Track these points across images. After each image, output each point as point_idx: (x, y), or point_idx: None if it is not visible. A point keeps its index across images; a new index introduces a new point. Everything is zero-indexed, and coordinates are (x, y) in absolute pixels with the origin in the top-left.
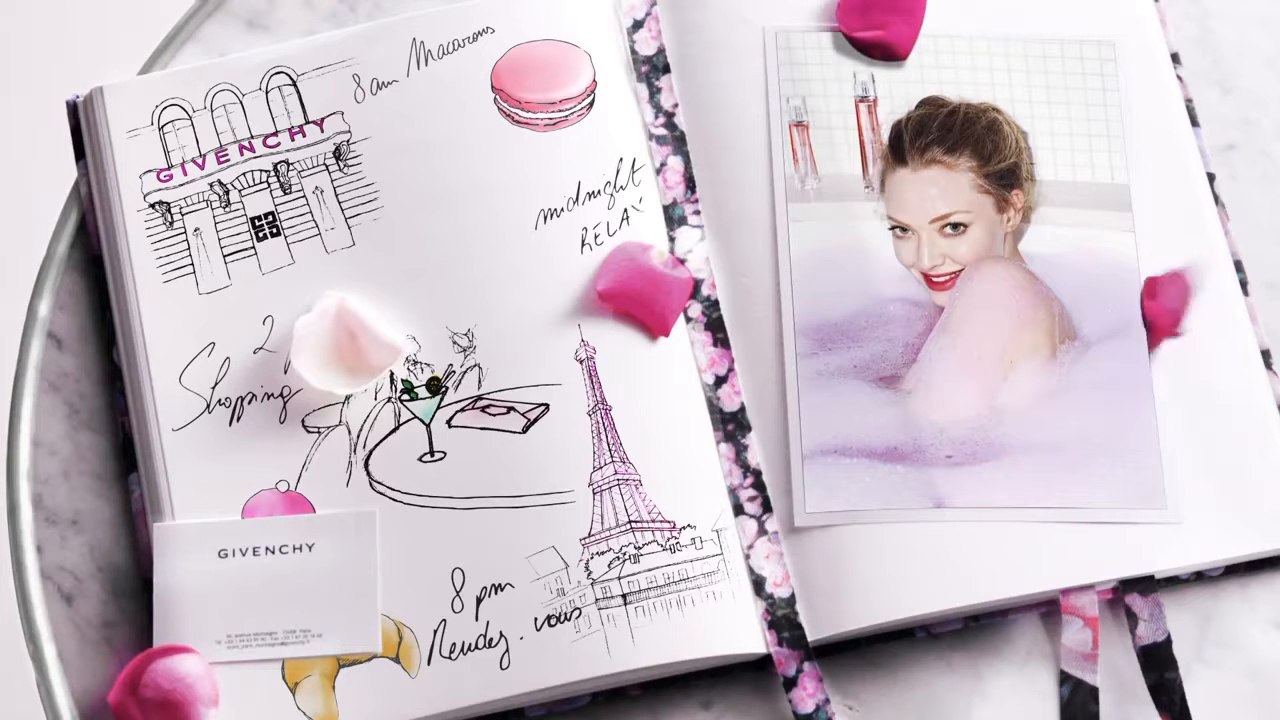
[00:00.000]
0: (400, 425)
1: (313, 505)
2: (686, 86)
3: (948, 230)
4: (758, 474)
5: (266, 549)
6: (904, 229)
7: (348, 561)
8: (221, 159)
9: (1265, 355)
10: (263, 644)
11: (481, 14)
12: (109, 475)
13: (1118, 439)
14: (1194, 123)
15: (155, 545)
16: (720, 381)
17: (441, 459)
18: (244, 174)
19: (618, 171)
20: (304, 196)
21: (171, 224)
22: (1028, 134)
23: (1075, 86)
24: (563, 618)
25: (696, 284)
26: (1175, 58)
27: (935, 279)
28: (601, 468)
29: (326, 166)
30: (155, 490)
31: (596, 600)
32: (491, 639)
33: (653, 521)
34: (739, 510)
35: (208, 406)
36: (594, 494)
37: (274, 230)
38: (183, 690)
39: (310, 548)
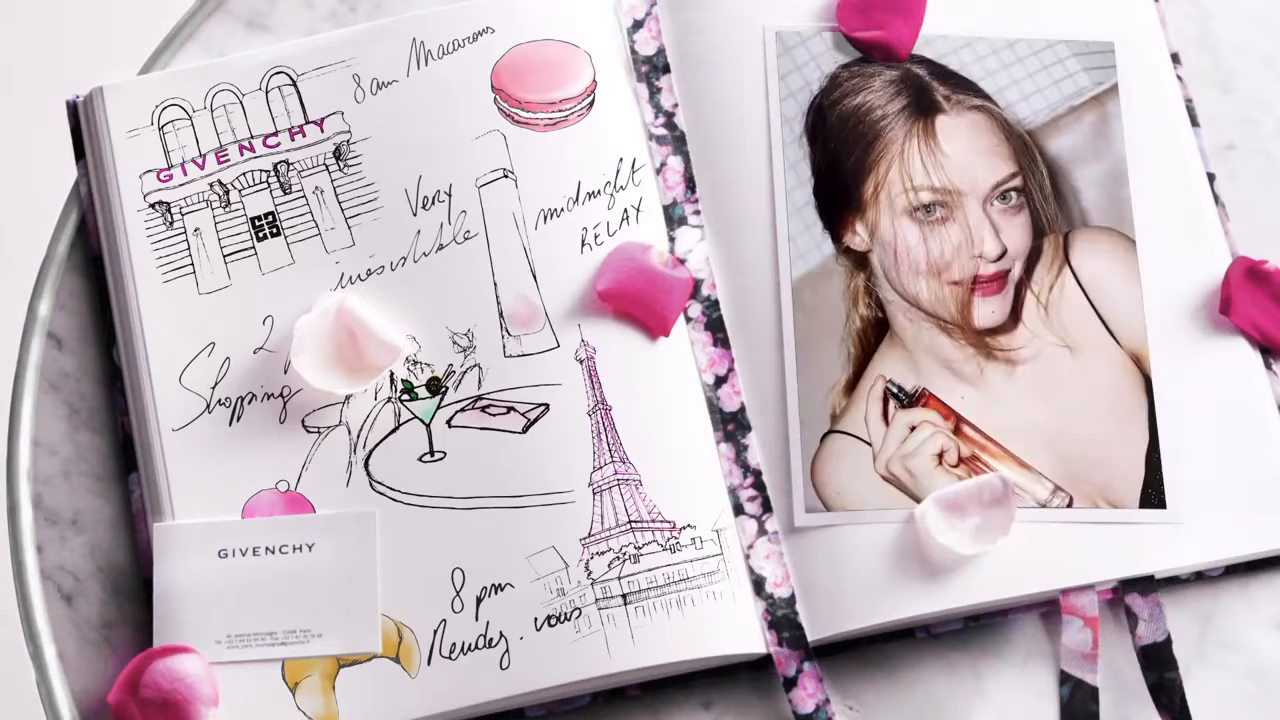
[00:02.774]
0: (400, 425)
1: (313, 505)
2: (686, 86)
3: (1000, 202)
4: (758, 474)
5: (266, 549)
6: (942, 205)
7: (348, 561)
8: (221, 159)
9: (1265, 355)
10: (263, 644)
11: (481, 14)
12: (109, 475)
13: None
14: (1194, 123)
15: (155, 545)
16: (720, 381)
17: (441, 459)
18: (244, 174)
19: (618, 171)
20: (304, 196)
21: (171, 224)
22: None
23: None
24: (563, 618)
25: (696, 284)
26: (1175, 58)
27: (981, 280)
28: (601, 468)
29: (326, 166)
30: (155, 490)
31: (596, 600)
32: (491, 639)
33: (653, 521)
34: (739, 510)
35: (208, 406)
36: (594, 494)
37: (274, 230)
38: (183, 690)
39: (310, 548)
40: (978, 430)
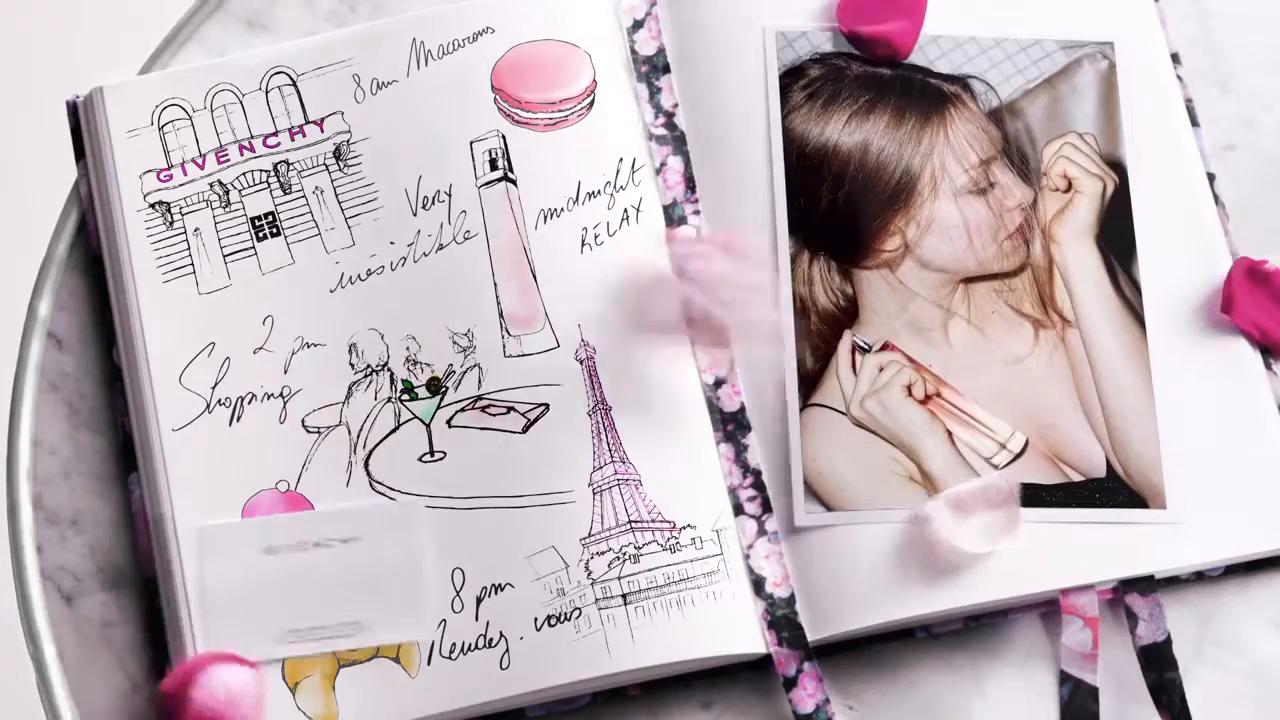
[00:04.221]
0: (400, 425)
1: (312, 505)
2: (686, 86)
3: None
4: (758, 474)
5: (313, 543)
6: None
7: (394, 550)
8: (221, 159)
9: (1265, 355)
10: (314, 638)
11: (481, 14)
12: (109, 475)
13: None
14: (1194, 123)
15: (200, 547)
16: (720, 381)
17: (441, 459)
18: (244, 174)
19: (618, 171)
20: (304, 196)
21: (171, 224)
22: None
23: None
24: (563, 618)
25: None
26: (1175, 58)
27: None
28: (601, 468)
29: (326, 166)
30: (155, 490)
31: (596, 600)
32: (491, 639)
33: (653, 521)
34: (739, 510)
35: (208, 406)
36: (594, 494)
37: (274, 230)
38: (230, 715)
39: (356, 539)
40: (940, 379)
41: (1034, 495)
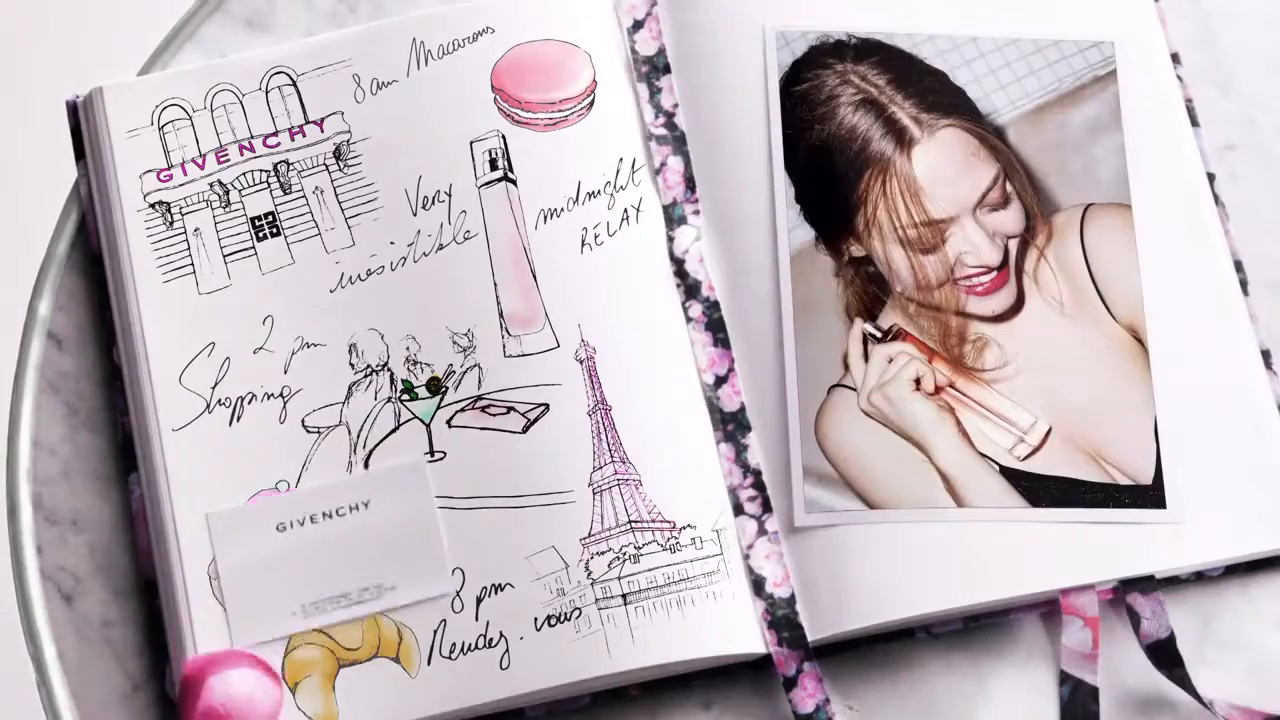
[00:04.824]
0: (400, 425)
1: None
2: (687, 86)
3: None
4: (758, 474)
5: (324, 514)
6: (935, 233)
7: (405, 512)
8: (221, 159)
9: (1265, 355)
10: (338, 606)
11: (481, 14)
12: (109, 475)
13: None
14: (1194, 123)
15: (213, 533)
16: (720, 381)
17: (441, 459)
18: (244, 174)
19: (618, 171)
20: (304, 196)
21: (171, 224)
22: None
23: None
24: (563, 618)
25: (696, 284)
26: (1175, 58)
27: (975, 283)
28: (601, 468)
29: (326, 166)
30: (155, 490)
31: (596, 600)
32: (491, 639)
33: (653, 521)
34: (739, 510)
35: (208, 406)
36: (594, 494)
37: (274, 230)
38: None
39: (366, 505)
40: (956, 367)
41: (1070, 492)
